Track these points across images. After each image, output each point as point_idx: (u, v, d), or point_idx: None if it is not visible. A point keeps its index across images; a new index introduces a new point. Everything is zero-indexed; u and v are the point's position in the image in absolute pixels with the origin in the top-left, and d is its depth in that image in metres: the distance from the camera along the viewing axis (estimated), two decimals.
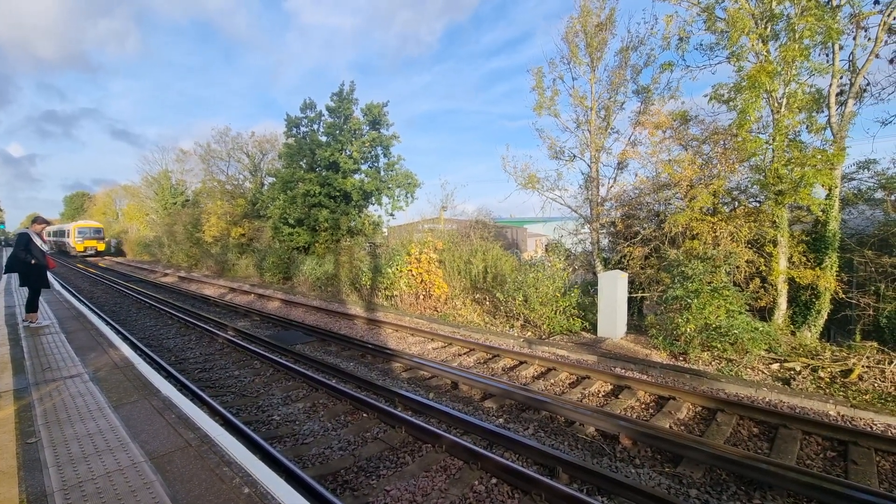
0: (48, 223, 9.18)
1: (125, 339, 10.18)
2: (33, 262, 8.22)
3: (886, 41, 8.94)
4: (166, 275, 27.05)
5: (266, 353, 8.85)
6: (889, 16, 8.74)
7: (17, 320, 9.19)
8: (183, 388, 6.99)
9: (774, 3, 9.19)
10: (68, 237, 44.63)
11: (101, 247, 45.09)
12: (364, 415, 6.15)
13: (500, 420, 6.07)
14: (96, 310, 13.97)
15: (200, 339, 10.71)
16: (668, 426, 5.81)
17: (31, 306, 8.55)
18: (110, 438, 3.87)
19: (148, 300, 15.97)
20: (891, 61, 9.29)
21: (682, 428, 5.92)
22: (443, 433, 5.21)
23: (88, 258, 43.12)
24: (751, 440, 5.56)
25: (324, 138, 21.93)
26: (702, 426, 5.94)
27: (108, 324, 11.56)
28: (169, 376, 7.51)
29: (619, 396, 6.87)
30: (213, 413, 5.96)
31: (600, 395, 7.12)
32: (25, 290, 8.62)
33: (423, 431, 5.38)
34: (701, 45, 10.72)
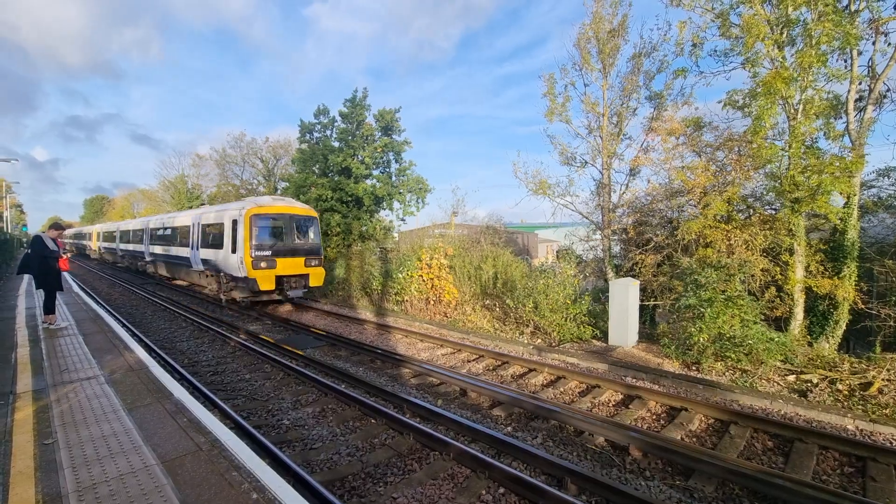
0: (64, 229, 9.52)
1: (140, 341, 10.35)
2: (53, 256, 8.47)
3: None
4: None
5: (276, 357, 8.92)
6: None
7: (36, 322, 9.42)
8: (195, 390, 7.08)
9: (790, 9, 9.08)
10: (232, 246, 14.23)
11: (318, 275, 15.30)
12: (372, 420, 6.17)
13: (509, 428, 6.04)
14: (113, 312, 14.24)
15: (213, 342, 10.85)
16: (679, 438, 5.72)
17: (49, 308, 8.76)
18: (124, 441, 3.94)
19: (163, 302, 16.24)
20: None
21: (695, 440, 5.83)
22: (451, 441, 5.20)
23: (290, 307, 16.15)
24: (765, 454, 5.44)
25: (336, 144, 22.16)
26: (714, 438, 5.83)
27: (123, 326, 11.76)
28: (182, 379, 7.62)
29: (630, 406, 6.78)
30: (225, 417, 6.02)
31: (610, 405, 7.04)
32: (42, 293, 8.85)
33: (431, 439, 5.37)
34: (715, 51, 10.64)
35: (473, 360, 9.45)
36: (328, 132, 23.14)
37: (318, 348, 10.39)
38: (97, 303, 15.21)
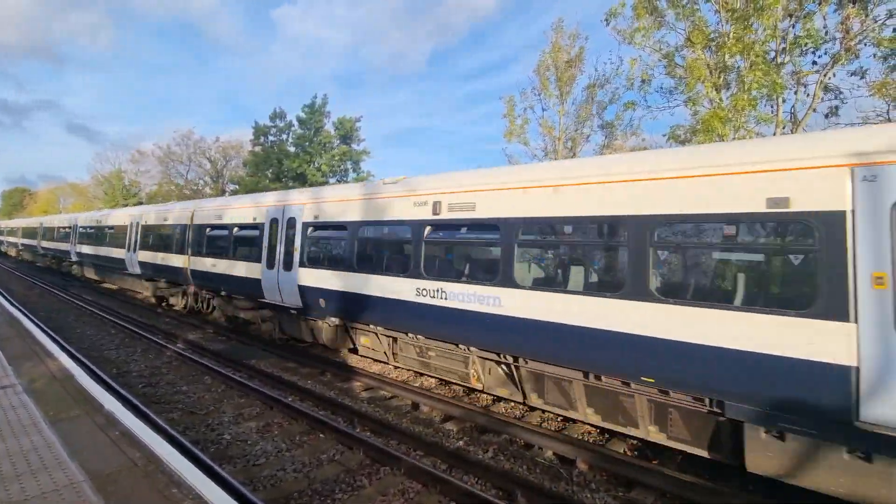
0: None
1: (63, 348, 9.48)
2: None
3: (823, 98, 9.90)
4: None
5: (218, 368, 8.48)
6: (825, 76, 9.70)
7: None
8: (125, 403, 6.57)
9: (727, 56, 10.00)
10: None
11: None
12: (321, 435, 5.98)
13: (461, 442, 6.04)
14: (32, 316, 12.97)
15: (146, 351, 10.13)
16: (622, 451, 5.95)
17: None
18: (46, 456, 3.59)
19: (89, 307, 15.00)
20: (826, 115, 10.30)
21: (636, 453, 6.07)
22: (402, 455, 5.14)
23: None
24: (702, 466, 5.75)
25: (292, 149, 21.66)
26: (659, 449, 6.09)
27: (45, 332, 10.74)
28: (109, 390, 7.04)
29: (577, 422, 6.96)
30: (158, 430, 5.63)
31: (559, 419, 7.21)
32: None
33: (381, 453, 5.29)
34: (661, 88, 11.50)
35: (426, 373, 9.37)
36: (284, 136, 22.60)
37: (265, 359, 9.95)
38: (13, 305, 13.81)
